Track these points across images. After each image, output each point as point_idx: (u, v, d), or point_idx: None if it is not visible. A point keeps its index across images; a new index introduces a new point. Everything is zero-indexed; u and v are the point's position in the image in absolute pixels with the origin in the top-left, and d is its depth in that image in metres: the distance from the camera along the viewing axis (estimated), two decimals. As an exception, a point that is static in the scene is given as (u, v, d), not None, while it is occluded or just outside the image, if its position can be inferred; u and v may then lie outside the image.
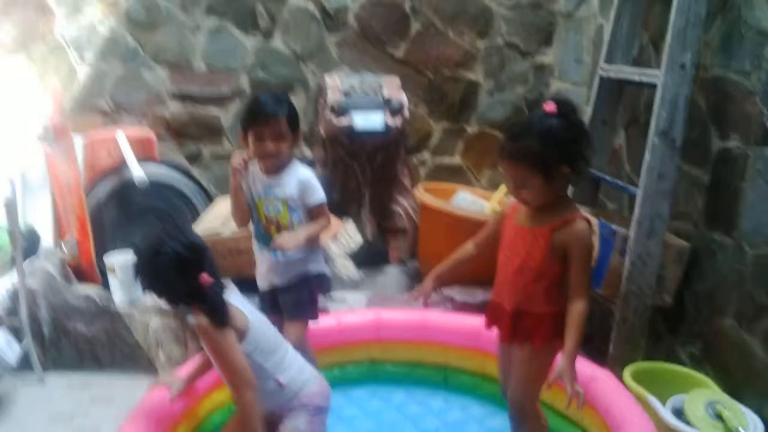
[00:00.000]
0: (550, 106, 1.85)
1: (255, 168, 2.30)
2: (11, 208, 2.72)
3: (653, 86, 2.57)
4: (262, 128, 2.22)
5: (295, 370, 2.05)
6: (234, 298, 1.99)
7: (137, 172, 3.05)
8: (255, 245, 2.40)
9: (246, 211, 2.35)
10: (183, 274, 1.86)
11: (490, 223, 2.20)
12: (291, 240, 2.21)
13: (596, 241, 2.69)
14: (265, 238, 2.33)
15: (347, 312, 2.92)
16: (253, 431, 1.92)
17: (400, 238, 3.83)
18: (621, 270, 2.64)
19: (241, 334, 1.93)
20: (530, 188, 1.87)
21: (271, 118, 2.21)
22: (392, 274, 3.66)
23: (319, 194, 2.32)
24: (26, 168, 3.36)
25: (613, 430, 2.09)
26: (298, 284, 2.36)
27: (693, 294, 2.68)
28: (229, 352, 1.89)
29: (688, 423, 2.23)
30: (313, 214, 2.34)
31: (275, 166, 2.29)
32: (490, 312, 2.13)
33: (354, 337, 2.74)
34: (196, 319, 1.88)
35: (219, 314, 1.88)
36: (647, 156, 2.55)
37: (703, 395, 2.33)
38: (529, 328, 1.97)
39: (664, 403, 2.33)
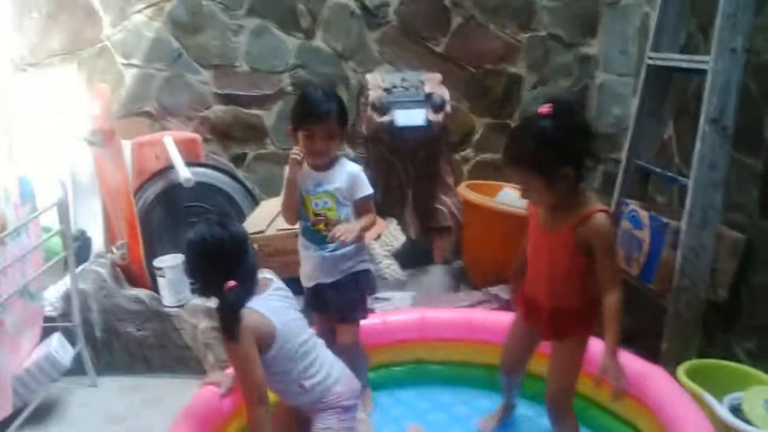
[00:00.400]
0: (544, 108, 1.83)
1: (303, 164, 2.29)
2: (63, 210, 2.77)
3: (703, 73, 2.49)
4: (313, 127, 2.22)
5: (324, 373, 2.03)
6: (265, 302, 1.96)
7: (184, 173, 3.09)
8: (301, 243, 2.39)
9: (297, 207, 2.34)
10: (219, 262, 1.87)
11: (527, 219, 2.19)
12: (348, 231, 2.21)
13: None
14: (313, 235, 2.32)
15: (392, 311, 2.90)
16: None
17: (444, 237, 3.80)
18: (673, 264, 2.56)
19: (266, 344, 1.91)
20: (534, 191, 1.88)
21: (323, 118, 2.21)
22: (437, 274, 3.63)
23: (367, 188, 2.33)
24: (76, 172, 3.44)
25: (667, 429, 2.03)
26: (346, 282, 2.36)
27: (749, 287, 2.59)
28: (240, 364, 1.89)
29: (746, 421, 2.15)
30: (360, 209, 2.34)
31: (324, 163, 2.30)
32: (525, 305, 2.14)
33: (399, 337, 2.72)
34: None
35: (229, 327, 1.85)
36: (698, 145, 2.48)
37: (762, 392, 2.25)
38: (569, 323, 2.00)
39: (720, 401, 2.26)
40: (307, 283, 2.42)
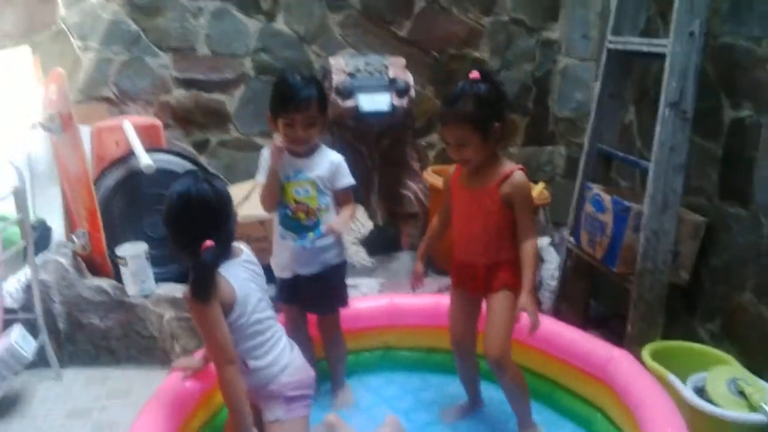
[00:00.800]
0: (474, 74, 2.13)
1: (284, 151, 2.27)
2: (20, 198, 2.70)
3: (662, 57, 2.52)
4: (293, 115, 2.19)
5: (270, 358, 1.97)
6: (233, 269, 1.92)
7: (144, 159, 3.03)
8: (278, 232, 2.36)
9: (278, 194, 2.31)
10: (201, 219, 1.84)
11: (444, 194, 2.41)
12: (341, 224, 2.25)
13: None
14: (292, 224, 2.31)
15: (361, 298, 2.90)
16: (236, 408, 1.86)
17: (411, 223, 3.81)
18: (636, 247, 2.61)
19: (224, 312, 1.86)
20: (471, 147, 2.10)
21: (303, 106, 2.19)
22: (405, 260, 3.65)
23: (349, 178, 2.33)
24: (33, 159, 3.34)
25: (632, 410, 2.07)
26: (328, 273, 2.37)
27: (710, 270, 2.66)
28: (210, 327, 1.83)
29: (710, 401, 2.21)
30: (341, 199, 2.34)
31: (305, 150, 2.28)
32: (458, 271, 2.32)
33: (368, 324, 2.73)
34: (186, 287, 1.84)
35: (202, 288, 1.80)
36: (658, 128, 2.51)
37: (725, 372, 2.31)
38: (504, 275, 2.20)
39: (684, 381, 2.31)
40: (281, 273, 2.39)
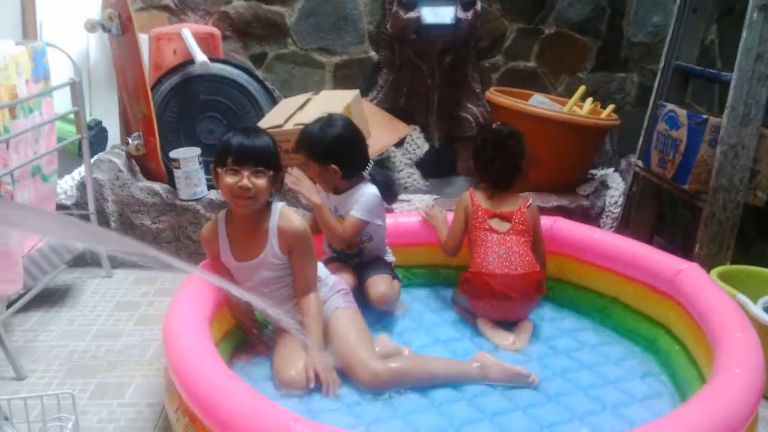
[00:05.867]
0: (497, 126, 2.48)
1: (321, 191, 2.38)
2: (77, 90, 2.69)
3: (753, -40, 2.32)
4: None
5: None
6: None
7: (200, 56, 2.98)
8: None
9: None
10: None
11: None
12: (306, 189, 2.31)
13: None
14: (338, 251, 2.44)
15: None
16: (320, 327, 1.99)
17: (469, 147, 3.68)
18: (711, 163, 2.44)
19: None
20: None
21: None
22: (460, 186, 3.53)
23: (359, 210, 2.28)
24: (93, 64, 3.34)
25: (699, 320, 1.93)
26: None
27: (790, 191, 2.46)
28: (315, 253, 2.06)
29: (781, 320, 2.05)
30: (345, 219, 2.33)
31: (342, 187, 2.35)
32: (494, 301, 2.29)
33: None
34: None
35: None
36: (744, 33, 2.32)
37: (799, 292, 2.15)
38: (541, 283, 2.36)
39: (754, 303, 2.16)
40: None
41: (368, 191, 2.31)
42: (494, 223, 2.34)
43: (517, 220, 2.34)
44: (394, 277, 2.45)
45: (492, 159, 2.38)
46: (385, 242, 2.48)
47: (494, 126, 2.47)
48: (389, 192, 2.44)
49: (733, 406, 1.46)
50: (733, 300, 1.97)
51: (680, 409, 1.50)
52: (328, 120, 2.33)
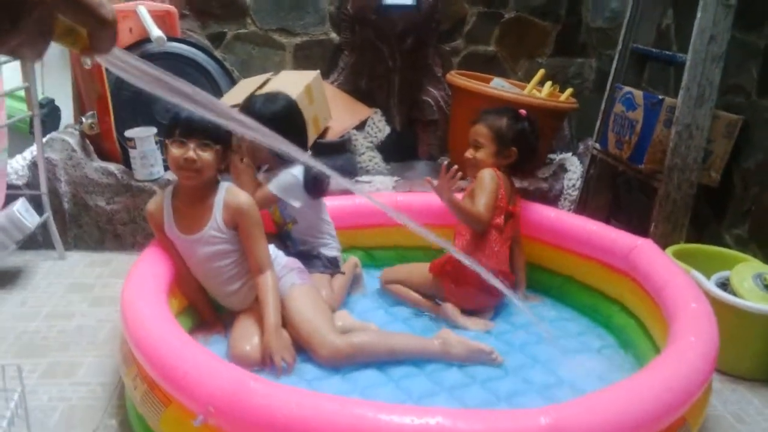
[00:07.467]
0: (523, 112, 2.38)
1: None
2: (27, 66, 2.61)
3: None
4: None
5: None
6: None
7: (156, 31, 2.91)
8: None
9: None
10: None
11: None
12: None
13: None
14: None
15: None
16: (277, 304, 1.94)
17: (430, 130, 3.69)
18: (666, 143, 2.48)
19: None
20: (483, 152, 2.34)
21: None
22: (421, 170, 3.52)
23: (273, 181, 2.26)
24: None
25: (654, 294, 1.96)
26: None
27: (742, 171, 2.51)
28: (263, 231, 2.01)
29: (734, 295, 2.09)
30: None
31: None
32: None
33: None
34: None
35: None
36: (699, 15, 2.36)
37: (750, 268, 2.19)
38: None
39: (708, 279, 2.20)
40: None
41: (290, 171, 2.26)
42: (505, 217, 2.29)
43: (516, 217, 2.35)
44: (335, 272, 2.36)
45: (534, 146, 2.39)
46: (325, 233, 2.40)
47: (522, 112, 2.39)
48: (316, 185, 2.31)
49: (688, 372, 1.48)
50: (687, 274, 2.00)
51: (636, 375, 1.51)
52: (271, 96, 2.32)
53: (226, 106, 1.08)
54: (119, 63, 0.84)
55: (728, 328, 1.84)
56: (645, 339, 2.01)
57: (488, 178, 2.25)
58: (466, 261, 1.78)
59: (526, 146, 2.34)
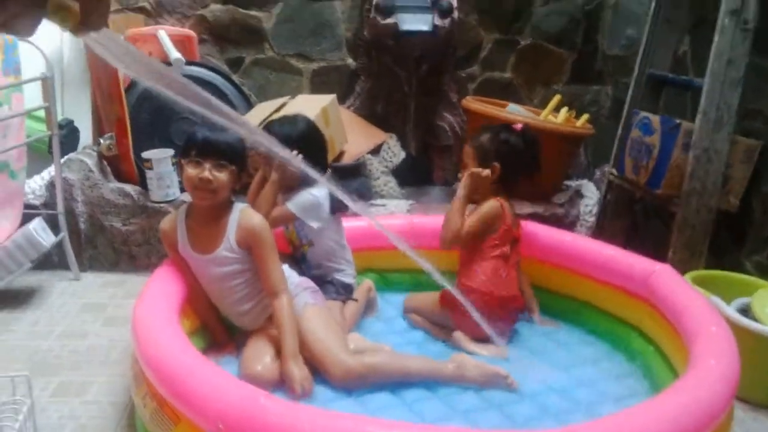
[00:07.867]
0: (518, 126, 2.29)
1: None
2: (49, 85, 2.64)
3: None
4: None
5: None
6: None
7: (174, 53, 2.95)
8: None
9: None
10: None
11: None
12: None
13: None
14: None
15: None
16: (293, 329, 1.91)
17: (445, 156, 3.69)
18: (684, 167, 2.46)
19: None
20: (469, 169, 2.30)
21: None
22: (435, 195, 3.52)
23: (292, 199, 2.24)
24: (67, 63, 3.30)
25: (672, 319, 1.92)
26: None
27: (762, 196, 2.48)
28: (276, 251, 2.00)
29: (755, 321, 2.05)
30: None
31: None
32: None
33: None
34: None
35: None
36: (716, 39, 2.35)
37: (772, 294, 2.15)
38: None
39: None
40: None
41: (309, 191, 2.24)
42: (512, 244, 2.27)
43: (519, 240, 2.32)
44: (347, 299, 2.32)
45: (522, 158, 2.26)
46: (340, 259, 2.36)
47: (517, 126, 2.30)
48: (332, 205, 2.29)
49: (709, 396, 1.44)
50: (706, 299, 1.97)
51: (656, 398, 1.48)
52: (291, 118, 2.33)
53: (212, 97, 1.07)
54: (108, 44, 0.83)
55: (750, 354, 1.79)
56: (664, 365, 1.97)
57: (488, 206, 2.23)
58: (460, 297, 1.89)
59: (510, 159, 2.23)
